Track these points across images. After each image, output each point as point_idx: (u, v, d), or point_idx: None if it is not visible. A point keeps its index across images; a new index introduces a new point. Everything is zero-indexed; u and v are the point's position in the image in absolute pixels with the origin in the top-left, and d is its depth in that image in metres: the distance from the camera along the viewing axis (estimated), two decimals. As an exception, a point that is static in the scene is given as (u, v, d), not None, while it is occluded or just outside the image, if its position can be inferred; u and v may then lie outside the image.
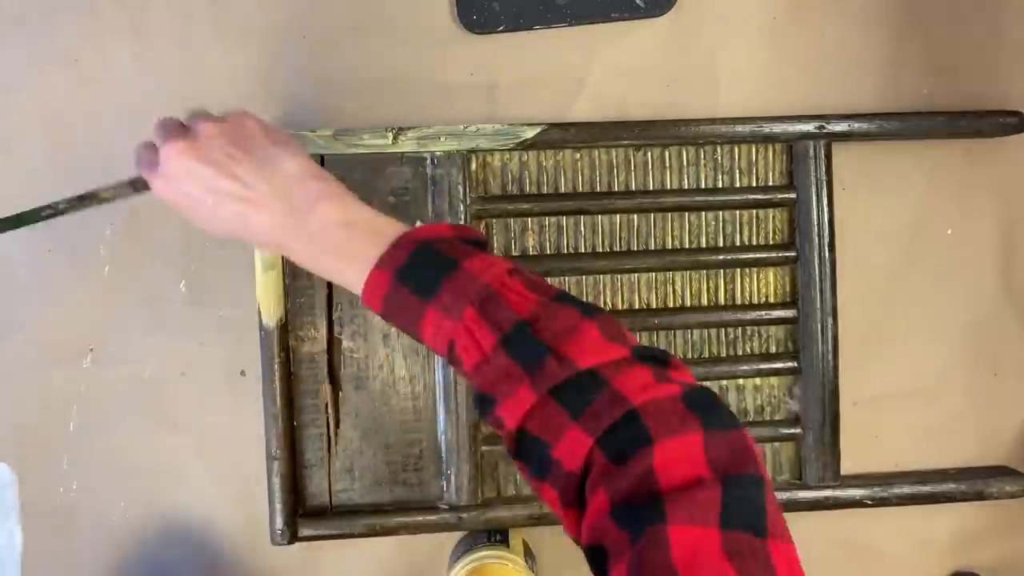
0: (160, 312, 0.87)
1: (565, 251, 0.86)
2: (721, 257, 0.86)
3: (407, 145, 0.82)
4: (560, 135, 0.83)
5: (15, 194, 0.85)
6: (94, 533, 0.86)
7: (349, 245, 0.61)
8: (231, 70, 0.87)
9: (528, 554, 0.86)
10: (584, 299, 0.68)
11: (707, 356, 0.87)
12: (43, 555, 0.85)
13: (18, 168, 0.86)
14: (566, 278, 0.86)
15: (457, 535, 0.88)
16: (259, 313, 0.81)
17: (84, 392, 0.86)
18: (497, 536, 0.85)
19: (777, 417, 0.88)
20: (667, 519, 0.47)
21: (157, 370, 0.87)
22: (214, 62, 0.87)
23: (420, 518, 0.84)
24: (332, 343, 0.84)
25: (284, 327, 0.82)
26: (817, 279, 0.86)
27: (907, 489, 0.87)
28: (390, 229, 0.62)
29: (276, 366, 0.81)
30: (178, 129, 0.67)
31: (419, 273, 0.59)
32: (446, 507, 0.84)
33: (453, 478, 0.84)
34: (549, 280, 0.84)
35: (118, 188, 0.71)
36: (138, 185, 0.70)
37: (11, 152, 0.85)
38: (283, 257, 0.81)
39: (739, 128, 0.84)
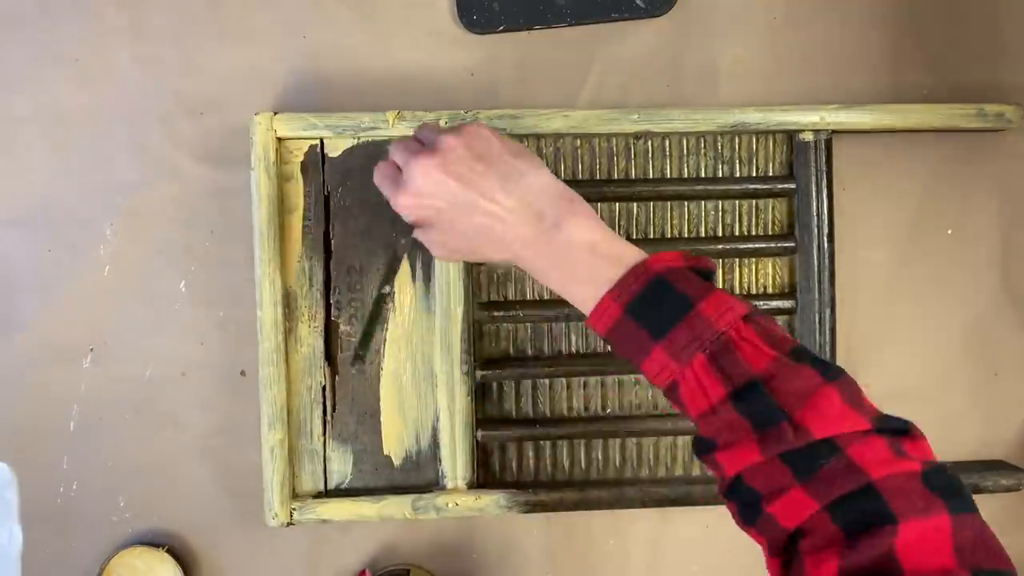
0: (160, 312, 0.87)
1: (564, 238, 0.86)
2: (720, 247, 0.86)
3: (406, 128, 0.82)
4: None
5: (15, 194, 0.86)
6: (94, 533, 0.86)
7: (588, 267, 0.62)
8: (231, 70, 0.87)
9: None
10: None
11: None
12: (43, 555, 0.85)
13: (18, 168, 0.86)
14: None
15: (459, 526, 0.88)
16: (258, 293, 0.81)
17: (84, 392, 0.86)
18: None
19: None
20: None
21: (157, 370, 0.87)
22: (214, 62, 0.87)
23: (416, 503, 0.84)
24: (329, 326, 0.84)
25: (282, 310, 0.82)
26: (816, 270, 0.86)
27: (904, 482, 0.87)
28: (629, 255, 0.62)
29: (274, 349, 0.81)
30: (419, 145, 0.68)
31: (651, 310, 0.59)
32: (442, 491, 0.84)
33: (448, 463, 0.84)
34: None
35: None
36: None
37: (11, 152, 0.86)
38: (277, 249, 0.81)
39: (740, 117, 0.84)
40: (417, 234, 0.70)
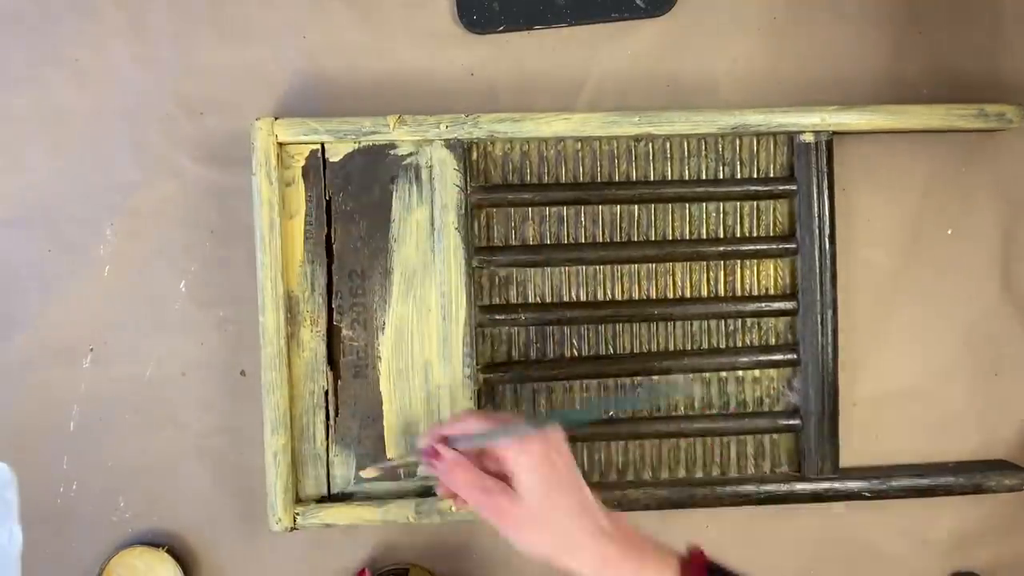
0: (160, 312, 0.87)
1: (565, 241, 0.86)
2: (721, 248, 0.86)
3: (408, 133, 0.82)
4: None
5: (15, 194, 0.86)
6: (94, 533, 0.86)
7: (656, 557, 0.67)
8: (231, 70, 0.87)
9: None
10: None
11: (707, 347, 0.87)
12: (43, 555, 0.85)
13: (18, 168, 0.86)
14: (566, 268, 0.86)
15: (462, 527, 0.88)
16: (260, 298, 0.81)
17: (84, 392, 0.86)
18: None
19: (776, 409, 0.88)
20: None
21: (157, 370, 0.87)
22: (214, 62, 0.87)
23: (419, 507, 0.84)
24: (332, 331, 0.84)
25: (285, 315, 0.82)
26: (817, 271, 0.85)
27: (906, 482, 0.87)
28: (670, 550, 0.68)
29: (276, 354, 0.81)
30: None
31: None
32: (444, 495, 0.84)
33: (451, 466, 0.84)
34: (549, 270, 0.86)
35: None
36: None
37: (11, 152, 0.85)
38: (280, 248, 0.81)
39: (741, 119, 0.84)
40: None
